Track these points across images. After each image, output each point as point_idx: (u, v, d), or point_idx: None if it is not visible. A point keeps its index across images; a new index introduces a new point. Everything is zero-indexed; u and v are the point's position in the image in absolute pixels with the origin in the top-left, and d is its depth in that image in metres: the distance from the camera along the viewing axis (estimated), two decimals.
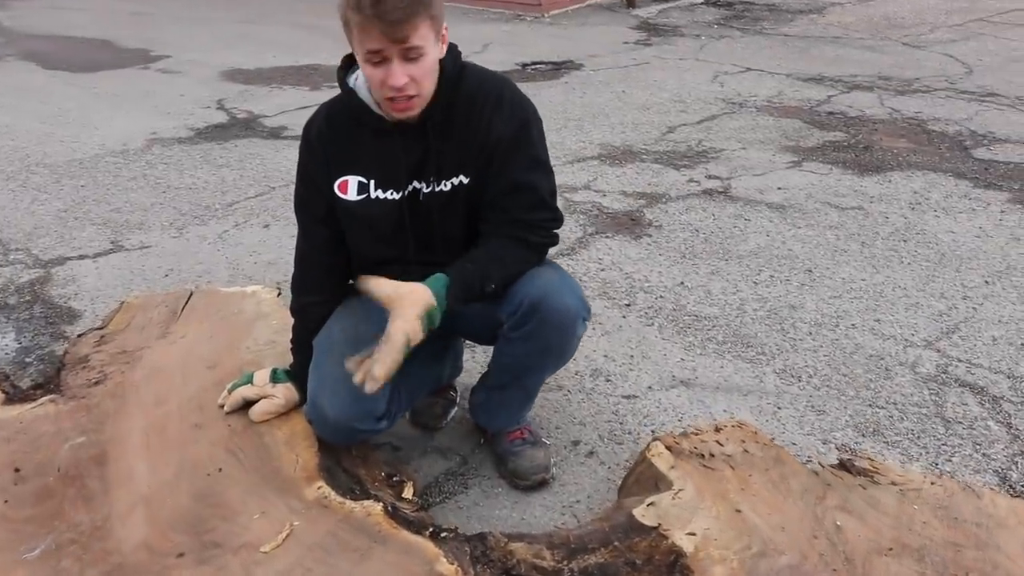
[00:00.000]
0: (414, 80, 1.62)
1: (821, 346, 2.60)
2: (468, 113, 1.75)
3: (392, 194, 1.78)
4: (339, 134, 1.80)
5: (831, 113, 4.96)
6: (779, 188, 3.85)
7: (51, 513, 1.68)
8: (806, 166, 4.13)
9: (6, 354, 2.66)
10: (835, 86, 5.53)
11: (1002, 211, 3.54)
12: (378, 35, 1.55)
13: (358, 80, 1.76)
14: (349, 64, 1.80)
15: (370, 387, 1.60)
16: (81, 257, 3.38)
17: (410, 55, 1.59)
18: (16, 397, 2.08)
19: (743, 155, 4.30)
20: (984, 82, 5.49)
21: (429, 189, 1.78)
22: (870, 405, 2.31)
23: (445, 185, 1.77)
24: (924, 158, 4.19)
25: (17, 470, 1.79)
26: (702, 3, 8.60)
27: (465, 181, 1.78)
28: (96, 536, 1.62)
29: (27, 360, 2.63)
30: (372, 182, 1.78)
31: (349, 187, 1.79)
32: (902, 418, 2.26)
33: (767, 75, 5.86)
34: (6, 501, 1.71)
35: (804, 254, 3.21)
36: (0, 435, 1.91)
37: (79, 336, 2.38)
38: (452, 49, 1.73)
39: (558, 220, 1.84)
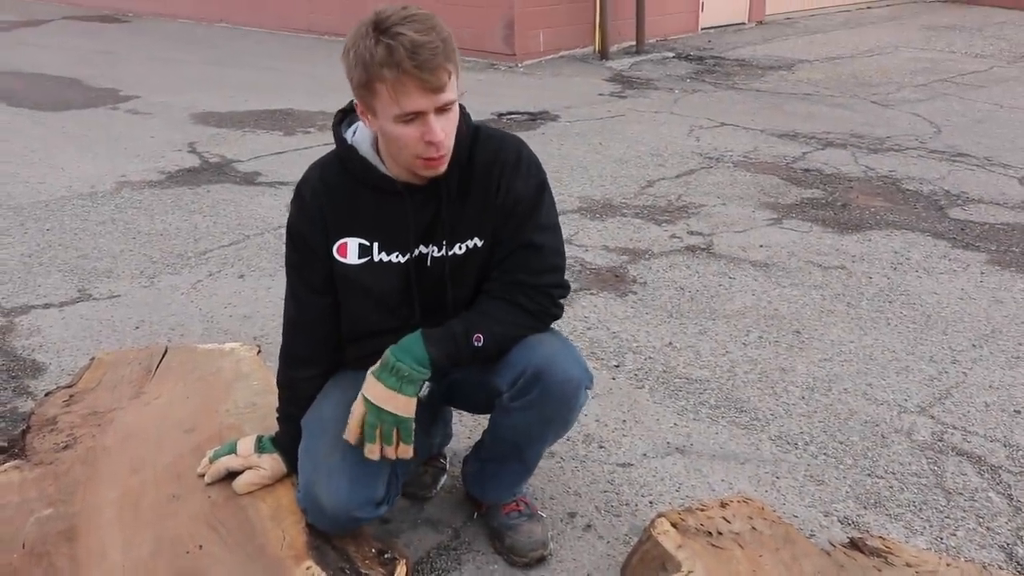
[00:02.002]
0: (447, 134, 1.56)
1: (815, 411, 2.55)
2: (487, 175, 1.68)
3: (397, 257, 1.70)
4: (337, 193, 1.70)
5: (807, 170, 4.99)
6: (761, 246, 3.84)
7: None
8: (786, 223, 4.13)
9: None
10: (809, 143, 5.59)
11: (982, 272, 3.56)
12: (417, 90, 1.48)
13: (357, 135, 1.69)
14: (342, 119, 1.73)
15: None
16: (46, 306, 3.24)
17: (445, 108, 1.54)
18: None
19: (723, 211, 4.30)
20: (953, 142, 5.58)
21: (440, 253, 1.70)
22: (869, 474, 2.26)
23: (459, 248, 1.70)
24: (901, 217, 4.22)
25: None
26: (674, 57, 8.71)
27: (479, 244, 1.71)
28: None
29: None
30: (375, 244, 1.70)
31: (349, 250, 1.70)
32: (902, 489, 2.21)
33: (742, 130, 5.91)
34: None
35: (791, 314, 3.18)
36: None
37: (46, 395, 2.25)
38: (462, 108, 1.68)
39: (564, 287, 1.76)
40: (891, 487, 2.22)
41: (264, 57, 8.79)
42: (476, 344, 1.67)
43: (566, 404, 1.73)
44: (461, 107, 1.66)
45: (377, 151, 1.67)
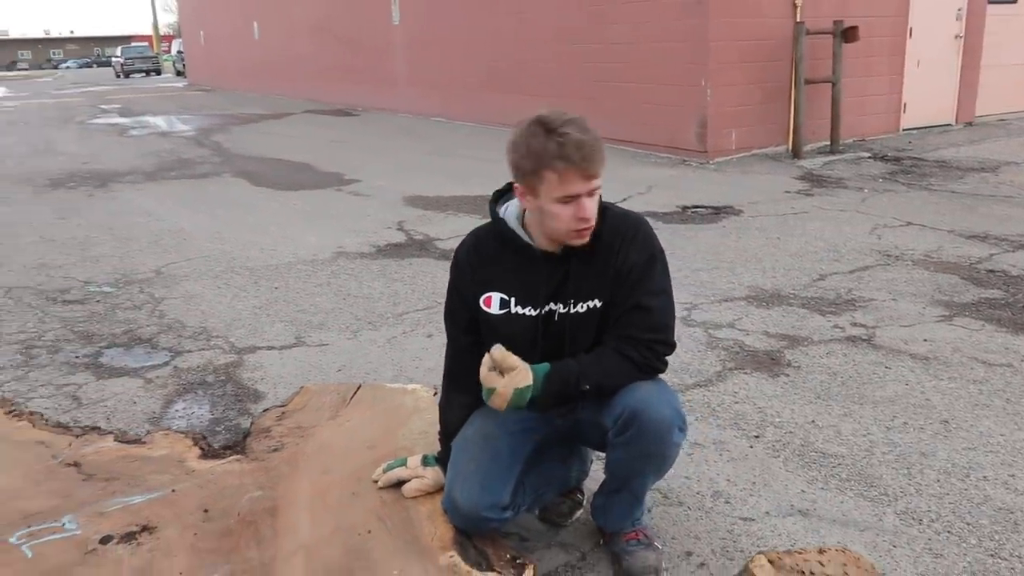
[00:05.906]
0: (594, 212, 1.96)
1: (947, 493, 2.62)
2: (611, 245, 2.04)
3: (530, 311, 2.07)
4: (486, 255, 2.12)
5: (991, 271, 4.92)
6: (925, 340, 3.88)
7: (230, 548, 2.00)
8: (957, 321, 4.13)
9: (201, 422, 3.09)
10: (999, 244, 5.48)
11: None
12: (579, 178, 1.89)
13: (508, 211, 2.10)
14: (498, 198, 2.14)
15: None
16: (269, 348, 3.85)
17: (595, 191, 1.93)
18: (210, 454, 2.48)
19: (892, 306, 4.35)
20: None
21: (566, 310, 2.06)
22: (992, 555, 2.32)
23: (581, 307, 2.05)
24: None
25: (206, 511, 2.15)
26: (869, 157, 8.71)
27: (598, 305, 2.05)
28: (263, 572, 1.92)
29: (217, 429, 3.04)
30: (513, 299, 2.08)
31: (493, 302, 2.10)
32: None
33: (928, 230, 5.89)
34: (196, 534, 2.05)
35: (943, 405, 3.23)
36: (195, 482, 2.28)
37: (264, 411, 2.77)
38: None
39: (670, 346, 2.07)
40: (1013, 569, 2.27)
41: (472, 148, 9.63)
42: (584, 386, 2.01)
43: (661, 441, 2.01)
44: None
45: (522, 224, 2.07)
